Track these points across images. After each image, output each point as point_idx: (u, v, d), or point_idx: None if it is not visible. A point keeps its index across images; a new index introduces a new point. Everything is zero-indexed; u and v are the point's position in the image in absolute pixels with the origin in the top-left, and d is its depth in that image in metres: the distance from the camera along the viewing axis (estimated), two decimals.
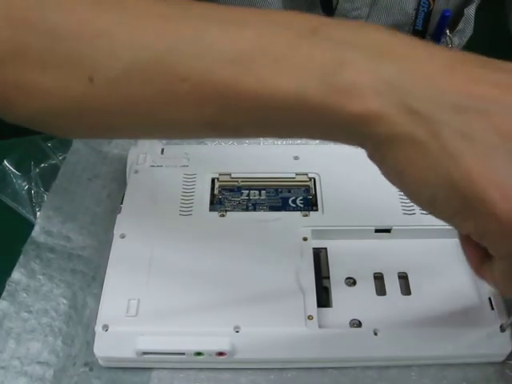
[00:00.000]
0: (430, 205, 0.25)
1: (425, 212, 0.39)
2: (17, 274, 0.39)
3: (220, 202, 0.42)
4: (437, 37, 0.51)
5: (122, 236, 0.39)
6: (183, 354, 0.34)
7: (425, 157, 0.24)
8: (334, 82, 0.24)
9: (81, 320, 0.37)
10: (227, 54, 0.25)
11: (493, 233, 0.24)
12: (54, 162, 0.47)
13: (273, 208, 0.41)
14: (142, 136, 0.35)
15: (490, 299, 0.36)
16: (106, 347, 0.34)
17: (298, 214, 0.41)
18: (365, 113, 0.24)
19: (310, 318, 0.35)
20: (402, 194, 0.40)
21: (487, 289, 0.36)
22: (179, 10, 0.27)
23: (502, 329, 0.34)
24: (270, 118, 0.26)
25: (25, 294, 0.38)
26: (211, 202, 0.42)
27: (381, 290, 0.37)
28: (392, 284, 0.37)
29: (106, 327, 0.34)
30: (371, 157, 0.26)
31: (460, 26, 0.52)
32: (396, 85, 0.23)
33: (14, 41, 0.28)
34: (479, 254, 0.26)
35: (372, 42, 0.25)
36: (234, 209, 0.41)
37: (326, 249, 0.39)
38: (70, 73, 0.27)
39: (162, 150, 0.45)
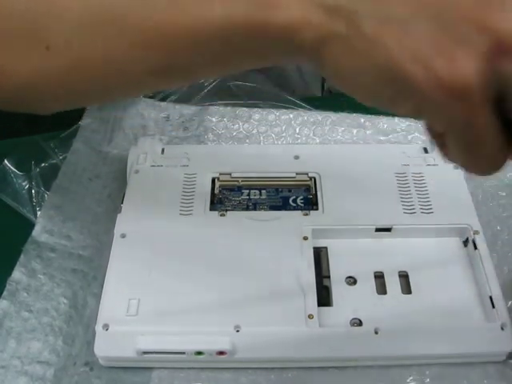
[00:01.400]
0: (370, 97, 0.26)
1: (425, 211, 0.40)
2: (17, 274, 0.39)
3: (220, 202, 0.42)
4: None
5: (123, 236, 0.39)
6: (183, 353, 0.34)
7: (351, 49, 0.24)
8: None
9: (81, 319, 0.37)
10: None
11: (428, 107, 0.24)
12: (54, 161, 0.47)
13: (273, 207, 0.41)
14: (102, 97, 0.36)
15: (490, 298, 0.35)
16: (106, 347, 0.34)
17: (298, 213, 0.41)
18: (291, 22, 0.25)
19: (310, 317, 0.35)
20: (402, 193, 0.41)
21: (488, 287, 0.36)
22: None
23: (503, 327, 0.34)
24: (209, 49, 0.27)
25: (25, 294, 0.38)
26: (211, 202, 0.41)
27: (381, 289, 0.37)
28: (392, 283, 0.37)
29: (106, 327, 0.34)
30: (312, 65, 0.26)
31: None
32: None
33: None
34: (438, 135, 0.26)
35: None
36: (234, 208, 0.41)
37: (326, 248, 0.39)
38: (28, 46, 0.29)
39: (163, 149, 0.45)
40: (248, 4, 0.25)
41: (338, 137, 0.49)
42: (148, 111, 0.50)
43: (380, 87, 0.24)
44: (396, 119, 0.49)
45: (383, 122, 0.49)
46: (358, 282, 0.38)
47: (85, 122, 0.49)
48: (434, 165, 0.43)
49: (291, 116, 0.50)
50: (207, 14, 0.26)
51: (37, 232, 0.41)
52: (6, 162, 0.46)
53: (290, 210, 0.41)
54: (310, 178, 0.43)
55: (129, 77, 0.30)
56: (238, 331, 0.34)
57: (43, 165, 0.46)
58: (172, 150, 0.45)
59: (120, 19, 0.28)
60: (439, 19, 0.22)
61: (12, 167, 0.46)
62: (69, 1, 0.29)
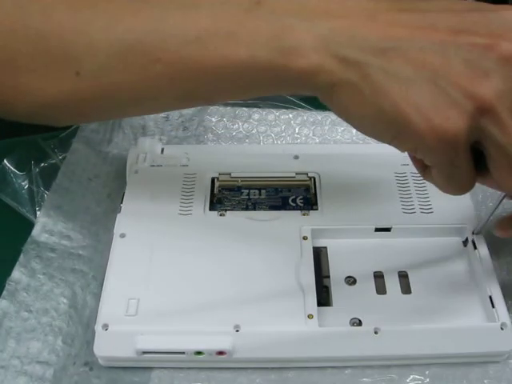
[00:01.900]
0: (373, 133, 0.30)
1: (425, 211, 0.40)
2: (17, 274, 0.39)
3: (220, 202, 0.42)
4: None
5: (122, 235, 0.39)
6: (183, 353, 0.34)
7: (360, 95, 0.28)
8: (279, 46, 0.29)
9: (81, 319, 0.37)
10: (189, 35, 0.30)
11: (422, 148, 0.28)
12: (54, 161, 0.47)
13: (273, 207, 0.41)
14: (126, 114, 0.41)
15: (490, 298, 0.35)
16: (105, 347, 0.34)
17: (297, 213, 0.41)
18: (308, 67, 0.28)
19: (310, 317, 0.35)
20: (402, 193, 0.41)
21: (487, 287, 0.36)
22: (140, 2, 0.31)
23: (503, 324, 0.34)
24: (232, 83, 0.31)
25: (25, 294, 0.38)
26: (211, 202, 0.41)
27: (381, 288, 0.37)
28: (392, 283, 0.37)
29: (105, 326, 0.34)
30: (323, 101, 0.30)
31: None
32: (329, 39, 0.28)
33: (4, 50, 0.32)
34: (422, 163, 0.31)
35: (308, 7, 0.29)
36: (233, 208, 0.41)
37: (326, 248, 0.39)
38: (58, 70, 0.32)
39: (162, 149, 0.45)
40: (271, 50, 0.29)
41: (338, 137, 0.49)
42: None
43: (383, 128, 0.29)
44: None
45: None
46: (357, 281, 0.38)
47: None
48: None
49: (291, 116, 0.50)
50: (233, 55, 0.29)
51: (36, 232, 0.41)
52: (5, 161, 0.46)
53: (289, 209, 0.41)
54: (310, 178, 0.43)
55: (154, 102, 0.33)
56: (237, 331, 0.34)
57: (43, 165, 0.46)
58: (171, 149, 0.45)
59: (150, 51, 0.30)
60: (436, 82, 0.27)
61: (12, 167, 0.46)
62: (98, 30, 0.31)
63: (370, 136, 0.31)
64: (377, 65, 0.28)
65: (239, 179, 0.43)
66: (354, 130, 0.48)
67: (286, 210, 0.41)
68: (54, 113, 0.34)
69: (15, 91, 0.33)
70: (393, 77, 0.27)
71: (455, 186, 0.30)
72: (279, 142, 0.49)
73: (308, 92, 0.30)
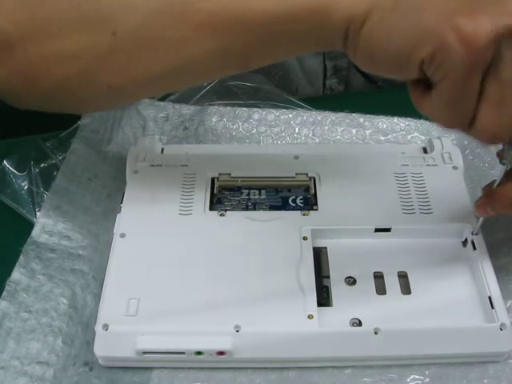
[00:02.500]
0: (392, 54, 0.30)
1: (424, 211, 0.40)
2: (17, 274, 0.39)
3: (220, 202, 0.42)
4: None
5: (122, 235, 0.39)
6: (183, 353, 0.34)
7: (395, 15, 0.29)
8: None
9: (81, 320, 0.37)
10: None
11: (441, 50, 0.28)
12: (53, 161, 0.47)
13: (273, 207, 0.41)
14: (163, 83, 0.36)
15: (489, 298, 0.35)
16: (105, 347, 0.34)
17: (297, 213, 0.41)
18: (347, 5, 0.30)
19: (310, 317, 0.35)
20: (401, 193, 0.41)
21: (487, 288, 0.36)
22: None
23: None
24: (269, 36, 0.31)
25: (25, 294, 0.38)
26: (211, 202, 0.41)
27: (381, 289, 0.37)
28: (392, 283, 0.37)
29: (105, 327, 0.34)
30: (348, 51, 0.31)
31: None
32: None
33: (33, 20, 0.31)
34: (422, 87, 0.31)
35: None
36: (233, 208, 0.41)
37: (325, 248, 0.39)
38: (93, 32, 0.31)
39: (162, 149, 0.45)
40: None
41: (338, 137, 0.49)
42: (147, 111, 0.50)
43: (404, 34, 0.29)
44: (395, 119, 0.49)
45: (382, 121, 0.49)
46: (357, 282, 0.38)
47: (84, 121, 0.49)
48: (433, 165, 0.43)
49: (290, 116, 0.50)
50: (270, 5, 0.30)
51: (36, 232, 0.41)
52: (5, 162, 0.46)
53: (289, 210, 0.41)
54: (310, 178, 0.43)
55: (190, 59, 0.33)
56: (237, 331, 0.34)
57: (42, 165, 0.46)
58: (171, 149, 0.45)
59: (185, 8, 0.31)
60: None
61: (11, 168, 0.46)
62: None
63: (389, 61, 0.30)
64: None
65: (239, 179, 0.43)
66: (354, 130, 0.48)
67: (285, 210, 0.41)
68: (82, 84, 0.34)
69: (44, 62, 0.32)
70: None
71: (453, 113, 0.30)
72: (279, 142, 0.49)
73: (339, 34, 0.31)
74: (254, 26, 0.31)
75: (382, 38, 0.29)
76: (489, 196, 0.36)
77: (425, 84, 0.31)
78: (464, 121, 0.30)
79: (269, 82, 0.53)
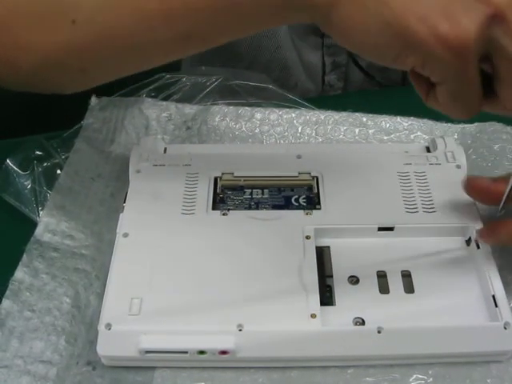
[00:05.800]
0: (375, 53, 0.30)
1: (428, 210, 0.40)
2: (20, 273, 0.39)
3: (222, 201, 0.42)
4: None
5: (125, 235, 0.39)
6: (186, 352, 0.34)
7: (363, 8, 0.28)
8: None
9: (84, 319, 0.37)
10: None
11: (430, 60, 0.28)
12: (56, 161, 0.47)
13: (275, 207, 0.41)
14: (128, 65, 0.37)
15: (493, 297, 0.35)
16: (108, 346, 0.34)
17: (300, 212, 0.40)
18: None
19: (313, 316, 0.35)
20: (404, 192, 0.41)
21: (491, 287, 0.36)
22: None
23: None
24: (229, 16, 0.31)
25: (28, 293, 0.38)
26: (214, 201, 0.41)
27: (384, 288, 0.37)
28: (395, 282, 0.37)
29: (108, 326, 0.34)
30: (323, 27, 0.30)
31: None
32: None
33: (3, 8, 0.33)
34: (425, 86, 0.30)
35: None
36: (236, 208, 0.41)
37: (328, 247, 0.39)
38: (55, 21, 0.32)
39: (165, 149, 0.45)
40: None
41: (341, 136, 0.49)
42: (150, 111, 0.50)
43: (385, 44, 0.28)
44: (398, 118, 0.49)
45: (385, 121, 0.49)
46: (360, 281, 0.38)
47: (87, 121, 0.49)
48: (436, 164, 0.43)
49: (293, 115, 0.50)
50: None
51: (39, 232, 0.41)
52: (8, 161, 0.46)
53: (292, 209, 0.41)
54: (313, 178, 0.43)
55: (152, 47, 0.33)
56: (240, 330, 0.34)
57: (46, 164, 0.46)
58: (174, 149, 0.45)
59: None
60: None
61: (14, 167, 0.46)
62: None
63: (371, 57, 0.30)
64: None
65: (242, 178, 0.43)
66: (357, 130, 0.48)
67: (288, 209, 0.41)
68: (56, 71, 0.35)
69: (17, 48, 0.33)
70: None
71: (461, 106, 0.30)
72: (282, 142, 0.49)
73: (306, 15, 0.30)
74: (210, 11, 0.31)
75: (356, 36, 0.29)
76: (491, 229, 0.37)
77: (427, 80, 0.30)
78: (474, 107, 0.30)
79: (271, 80, 0.52)
